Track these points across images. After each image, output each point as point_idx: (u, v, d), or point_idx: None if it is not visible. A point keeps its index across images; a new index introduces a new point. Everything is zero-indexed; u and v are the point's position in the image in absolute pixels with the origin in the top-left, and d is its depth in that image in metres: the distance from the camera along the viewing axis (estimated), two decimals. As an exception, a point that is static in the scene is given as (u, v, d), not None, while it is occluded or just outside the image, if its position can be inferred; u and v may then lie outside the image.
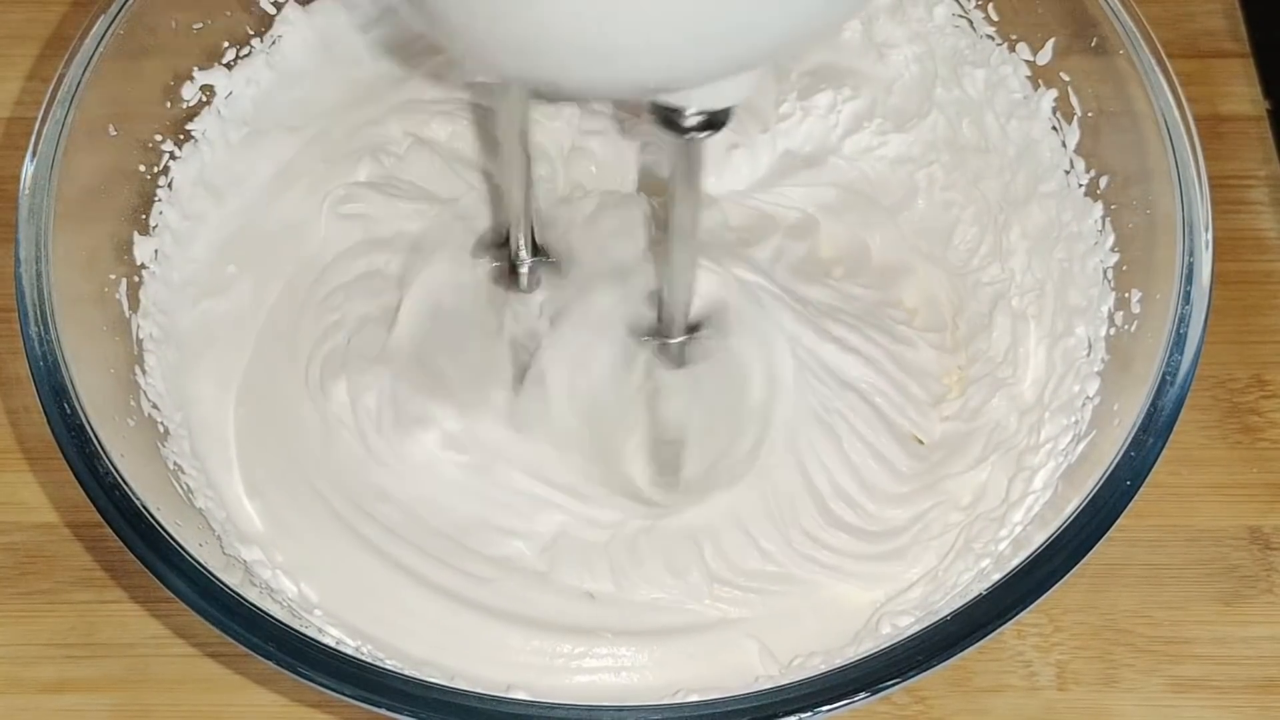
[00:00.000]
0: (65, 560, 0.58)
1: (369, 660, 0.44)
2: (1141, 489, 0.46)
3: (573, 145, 0.62)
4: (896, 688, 0.43)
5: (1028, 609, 0.44)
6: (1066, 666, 0.56)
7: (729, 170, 0.62)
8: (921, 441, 0.57)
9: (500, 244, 0.56)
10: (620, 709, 0.43)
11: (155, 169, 0.57)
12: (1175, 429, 0.47)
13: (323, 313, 0.58)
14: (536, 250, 0.55)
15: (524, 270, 0.55)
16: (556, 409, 0.54)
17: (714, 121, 0.39)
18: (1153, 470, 0.46)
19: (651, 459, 0.54)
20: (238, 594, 0.44)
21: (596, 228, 0.57)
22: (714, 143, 0.58)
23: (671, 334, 0.51)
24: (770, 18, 0.35)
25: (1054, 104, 0.57)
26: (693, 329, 0.52)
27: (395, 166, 0.61)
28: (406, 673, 0.44)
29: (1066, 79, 0.57)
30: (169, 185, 0.58)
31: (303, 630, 0.44)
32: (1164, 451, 0.47)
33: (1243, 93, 0.69)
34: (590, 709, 0.43)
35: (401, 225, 0.59)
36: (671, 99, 0.39)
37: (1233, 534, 0.59)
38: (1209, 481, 0.60)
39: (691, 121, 0.39)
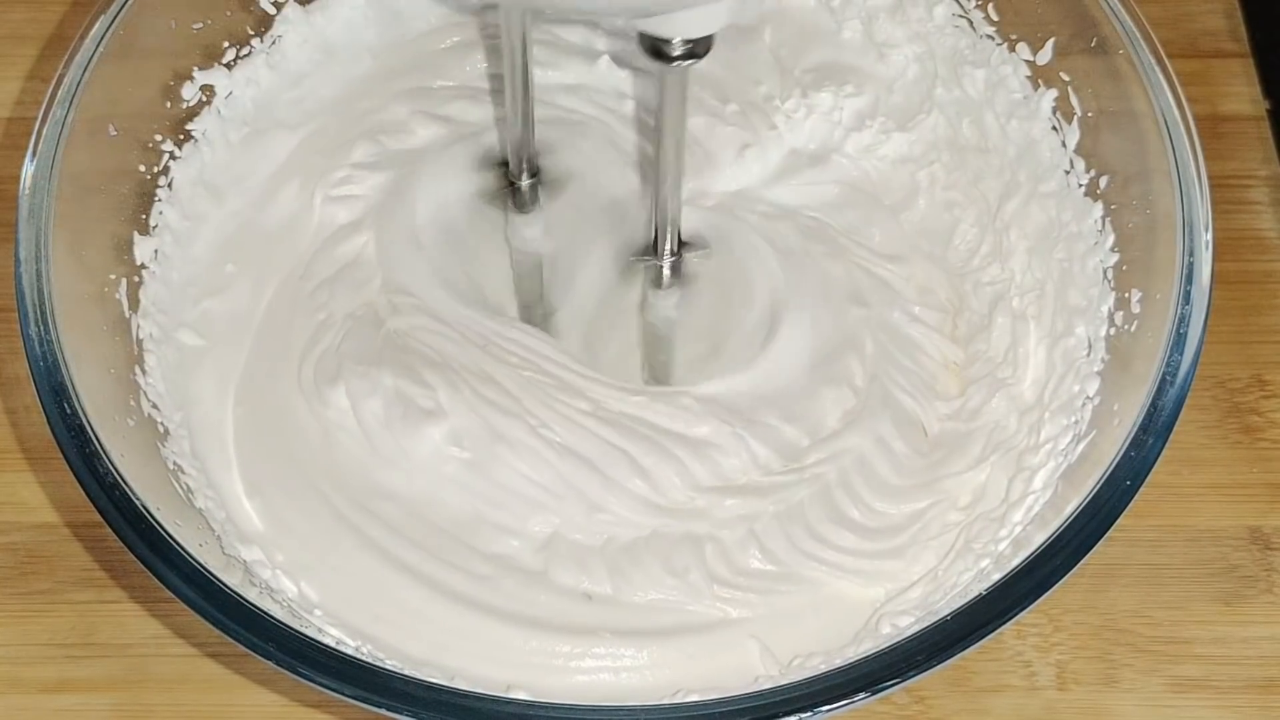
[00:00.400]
0: (65, 560, 0.58)
1: (369, 660, 0.44)
2: (1141, 489, 0.46)
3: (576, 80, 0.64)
4: (896, 688, 0.43)
5: (1028, 609, 0.44)
6: (1066, 666, 0.56)
7: (741, 169, 0.62)
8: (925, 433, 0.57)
9: (500, 163, 0.60)
10: (619, 709, 0.43)
11: (155, 169, 0.57)
12: (1175, 429, 0.47)
13: (311, 311, 0.58)
14: (535, 172, 0.58)
15: (524, 189, 0.58)
16: (563, 332, 0.57)
17: (696, 51, 0.44)
18: (1153, 470, 0.46)
19: (644, 366, 0.58)
20: (238, 594, 0.44)
21: (593, 155, 0.61)
22: (726, 142, 0.62)
23: (659, 255, 0.56)
24: None
25: (1054, 104, 0.57)
26: (679, 251, 0.57)
27: (398, 141, 0.62)
28: (406, 673, 0.44)
29: (1066, 79, 0.57)
30: (169, 185, 0.58)
31: (303, 630, 0.44)
32: (1164, 451, 0.47)
33: (1243, 93, 0.69)
34: (590, 709, 0.43)
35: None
36: (659, 29, 0.43)
37: (1233, 534, 0.59)
38: (1209, 481, 0.60)
39: (677, 50, 0.44)
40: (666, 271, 0.57)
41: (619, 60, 0.64)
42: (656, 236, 0.56)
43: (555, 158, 0.60)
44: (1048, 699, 0.56)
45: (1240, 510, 0.60)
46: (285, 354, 0.57)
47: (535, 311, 0.59)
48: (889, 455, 0.55)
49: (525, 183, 0.59)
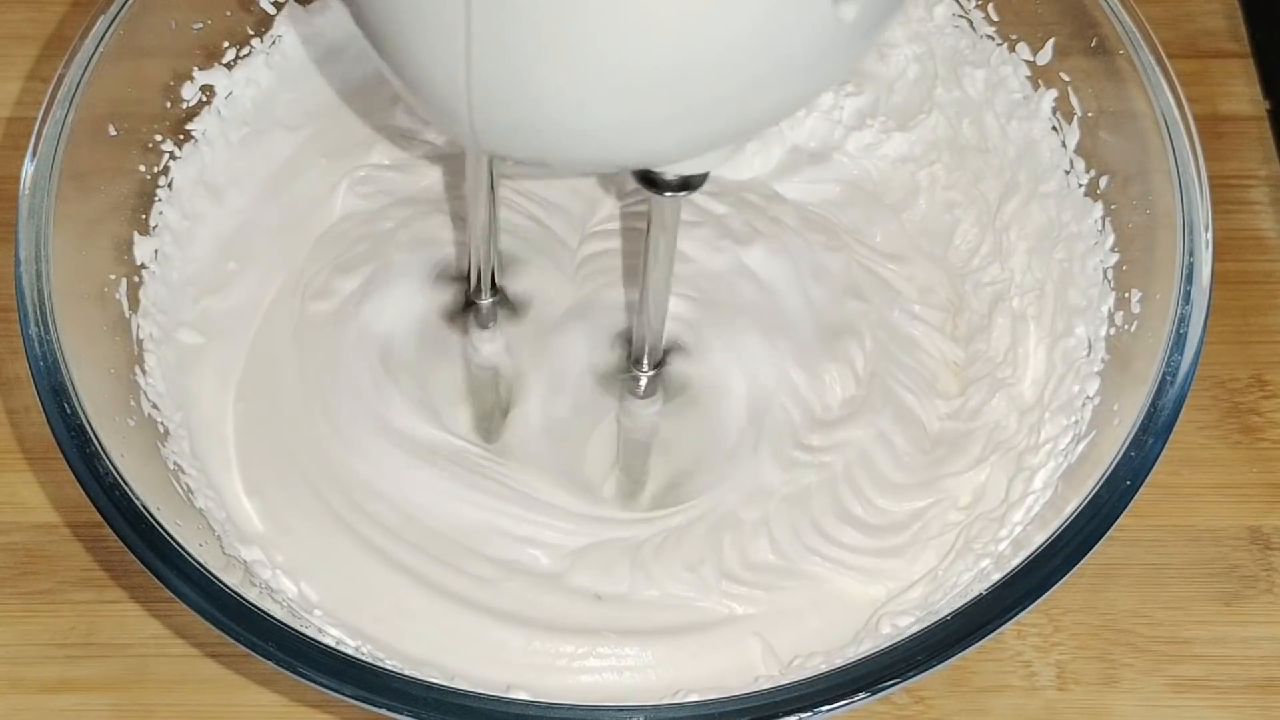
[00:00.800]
0: (65, 560, 0.58)
1: (369, 660, 0.44)
2: (1141, 489, 0.46)
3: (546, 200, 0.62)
4: (896, 688, 0.43)
5: (1028, 609, 0.44)
6: (1066, 666, 0.56)
7: (743, 163, 0.62)
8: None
9: (460, 278, 0.58)
10: (620, 709, 0.43)
11: (155, 169, 0.57)
12: (1175, 429, 0.47)
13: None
14: (495, 290, 0.56)
15: (484, 306, 0.56)
16: (531, 446, 0.55)
17: (690, 183, 0.42)
18: (1153, 470, 0.46)
19: (620, 482, 0.56)
20: (238, 594, 0.44)
21: (555, 273, 0.59)
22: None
23: (643, 367, 0.54)
24: (749, 106, 0.37)
25: (1054, 104, 0.57)
26: (660, 363, 0.55)
27: (417, 149, 0.62)
28: (406, 673, 0.44)
29: (1066, 79, 0.57)
30: (169, 185, 0.58)
31: (303, 630, 0.44)
32: (1164, 451, 0.47)
33: (1243, 93, 0.69)
34: (590, 709, 0.43)
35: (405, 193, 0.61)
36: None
37: (1233, 534, 0.59)
38: (1209, 481, 0.60)
39: (670, 180, 0.41)
40: (644, 383, 0.55)
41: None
42: (635, 350, 0.54)
43: (518, 275, 0.58)
44: (1048, 699, 0.56)
45: (1240, 510, 0.60)
46: (288, 351, 0.57)
47: (491, 423, 0.57)
48: (891, 451, 0.56)
49: (486, 301, 0.56)
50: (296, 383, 0.57)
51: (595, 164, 0.43)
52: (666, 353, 0.56)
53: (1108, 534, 0.46)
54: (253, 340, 0.58)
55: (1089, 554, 0.45)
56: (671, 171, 0.41)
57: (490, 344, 0.57)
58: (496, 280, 0.55)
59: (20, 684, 0.56)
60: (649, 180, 0.42)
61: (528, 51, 0.34)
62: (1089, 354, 0.53)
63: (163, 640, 0.57)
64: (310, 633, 0.44)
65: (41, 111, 0.52)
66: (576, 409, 0.56)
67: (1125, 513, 0.46)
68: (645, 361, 0.54)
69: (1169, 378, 0.48)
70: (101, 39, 0.53)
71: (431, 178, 0.61)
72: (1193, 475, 0.60)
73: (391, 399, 0.55)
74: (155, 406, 0.53)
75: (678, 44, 0.34)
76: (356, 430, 0.55)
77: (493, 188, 0.50)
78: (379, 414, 0.55)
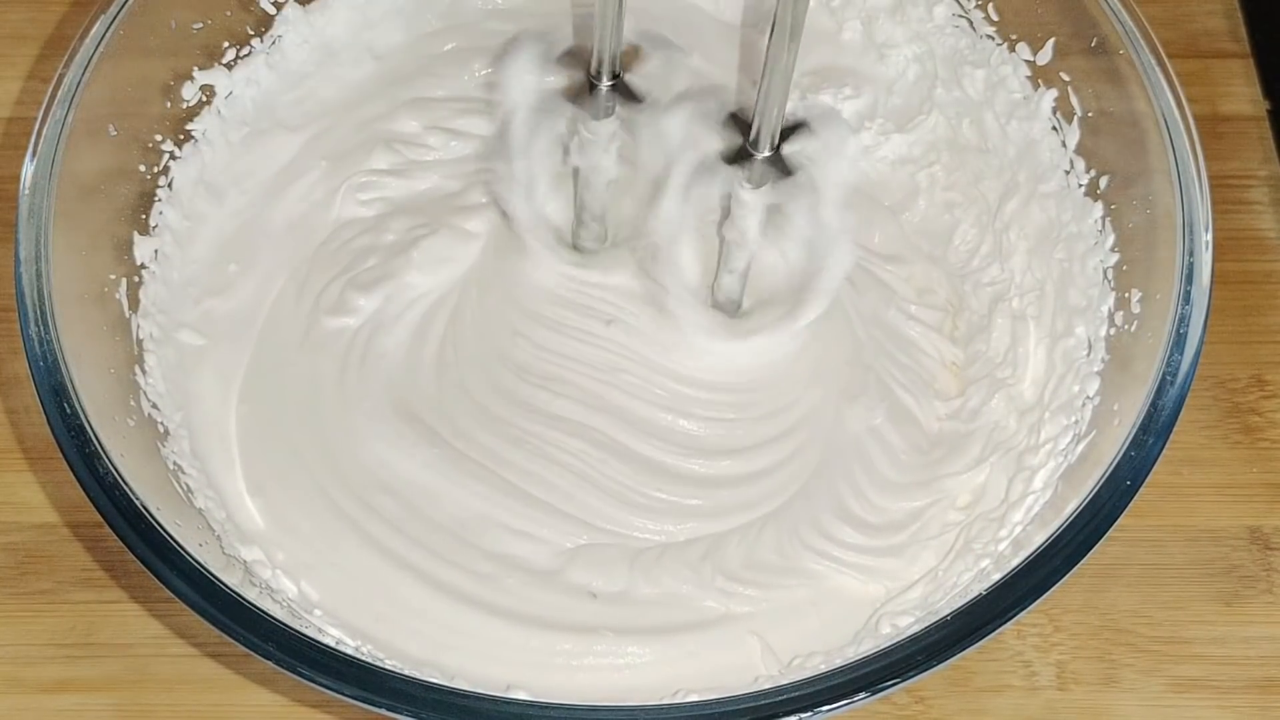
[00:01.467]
0: (65, 560, 0.58)
1: (369, 660, 0.44)
2: (1141, 489, 0.46)
3: None
4: (897, 688, 0.43)
5: (1028, 609, 0.44)
6: (1066, 666, 0.56)
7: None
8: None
9: (582, 63, 0.56)
10: (619, 709, 0.43)
11: (155, 169, 0.57)
12: (1175, 429, 0.47)
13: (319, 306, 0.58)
14: (616, 79, 0.55)
15: (601, 92, 0.55)
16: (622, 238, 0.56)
17: None
18: (1153, 470, 0.46)
19: (715, 288, 0.57)
20: (238, 594, 0.44)
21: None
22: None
23: (759, 149, 0.52)
24: None
25: (1054, 104, 0.57)
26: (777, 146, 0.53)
27: (417, 154, 0.62)
28: (406, 673, 0.44)
29: (1066, 79, 0.57)
30: (169, 185, 0.58)
31: (303, 630, 0.44)
32: (1164, 451, 0.47)
33: (1243, 93, 0.69)
34: (589, 709, 0.43)
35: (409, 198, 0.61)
36: None
37: (1233, 534, 0.59)
38: (1209, 481, 0.60)
39: None
40: (758, 170, 0.53)
41: None
42: (758, 126, 0.52)
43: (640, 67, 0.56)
44: (1048, 699, 0.56)
45: (1240, 510, 0.60)
46: (296, 357, 0.57)
47: (591, 230, 0.58)
48: (887, 450, 0.56)
49: (605, 85, 0.55)
50: (306, 389, 0.57)
51: None
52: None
53: (1107, 534, 0.46)
54: (256, 344, 0.58)
55: (1089, 554, 0.45)
56: None
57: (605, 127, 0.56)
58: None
59: (20, 684, 0.56)
60: None
61: None
62: (1089, 354, 0.53)
63: (163, 640, 0.57)
64: (310, 633, 0.44)
65: (41, 111, 0.52)
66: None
67: (1125, 513, 0.46)
68: (764, 141, 0.52)
69: (1169, 378, 0.48)
70: (101, 39, 0.53)
71: (430, 184, 0.61)
72: (1193, 475, 0.60)
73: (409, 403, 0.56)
74: (155, 406, 0.53)
75: None
76: (366, 421, 0.55)
77: None
78: (394, 404, 0.56)
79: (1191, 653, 0.57)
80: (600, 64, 0.54)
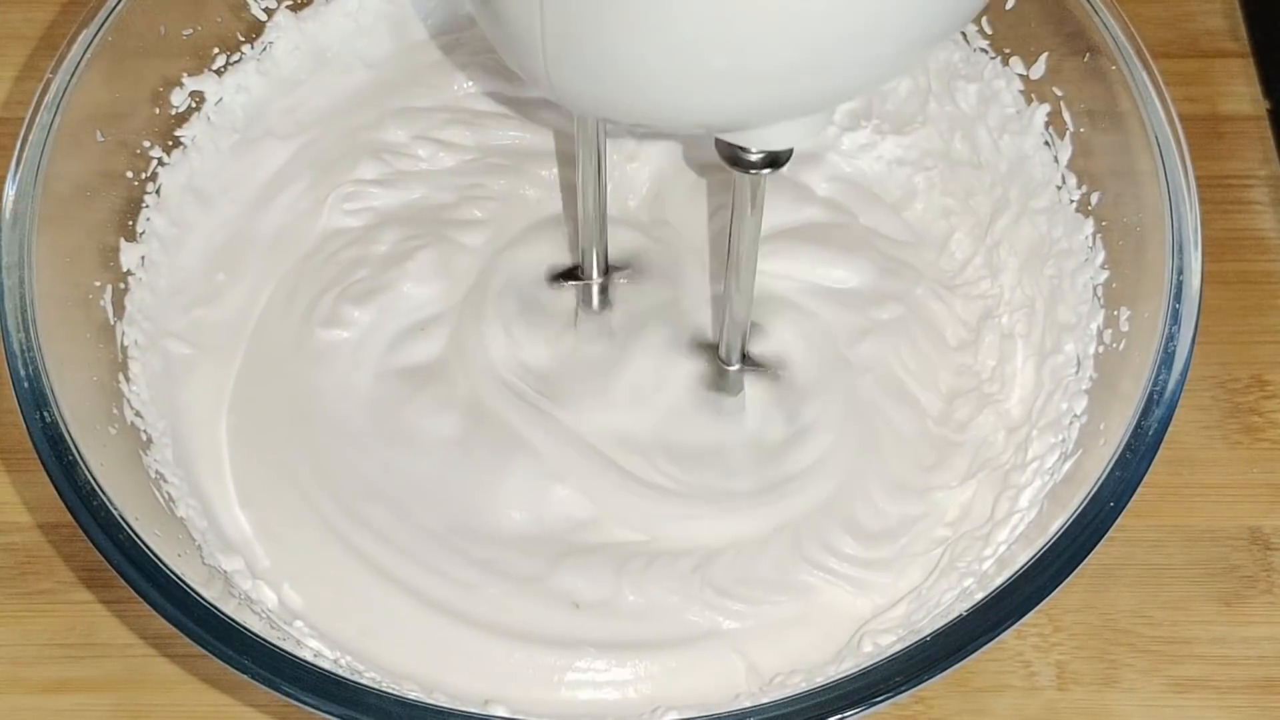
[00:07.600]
0: (65, 560, 0.58)
1: (346, 675, 0.44)
2: (1126, 509, 0.46)
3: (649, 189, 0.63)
4: (877, 707, 0.43)
5: (1009, 629, 0.44)
6: (1066, 666, 0.56)
7: None
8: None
9: (569, 272, 0.59)
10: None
11: (143, 175, 0.57)
12: (1168, 437, 0.47)
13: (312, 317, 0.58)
14: (607, 269, 0.57)
15: (594, 288, 0.58)
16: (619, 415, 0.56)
17: (775, 160, 0.43)
18: (1138, 490, 0.46)
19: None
20: (214, 606, 0.44)
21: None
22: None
23: (730, 361, 0.56)
24: (841, 64, 0.38)
25: (1047, 119, 0.57)
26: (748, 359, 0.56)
27: (406, 164, 0.61)
28: (384, 688, 0.44)
29: (1059, 94, 0.56)
30: (157, 191, 0.58)
31: (279, 643, 0.44)
32: (1149, 472, 0.47)
33: (1243, 93, 0.69)
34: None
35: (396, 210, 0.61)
36: (738, 139, 0.42)
37: (1233, 534, 0.59)
38: (1209, 481, 0.60)
39: (755, 159, 0.43)
40: (731, 379, 0.56)
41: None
42: (724, 339, 0.55)
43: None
44: (1048, 699, 0.56)
45: (1240, 510, 0.59)
46: (288, 369, 0.57)
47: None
48: (893, 432, 0.56)
49: (596, 281, 0.58)
50: (298, 399, 0.56)
51: (670, 121, 0.44)
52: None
53: (1092, 554, 0.45)
54: (245, 354, 0.58)
55: (1072, 574, 0.45)
56: (756, 147, 0.42)
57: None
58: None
59: (20, 684, 0.56)
60: (734, 159, 0.43)
61: (590, 5, 0.36)
62: (1077, 371, 0.53)
63: (163, 640, 0.57)
64: (288, 645, 0.44)
65: (28, 115, 0.52)
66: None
67: (1115, 525, 0.46)
68: (732, 353, 0.55)
69: (1155, 397, 0.47)
70: (89, 44, 0.53)
71: (419, 194, 0.61)
72: (1193, 475, 0.60)
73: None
74: (139, 414, 0.53)
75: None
76: (358, 429, 0.55)
77: (600, 164, 0.52)
78: (389, 414, 0.56)
79: (1191, 653, 0.57)
80: (592, 265, 0.57)
